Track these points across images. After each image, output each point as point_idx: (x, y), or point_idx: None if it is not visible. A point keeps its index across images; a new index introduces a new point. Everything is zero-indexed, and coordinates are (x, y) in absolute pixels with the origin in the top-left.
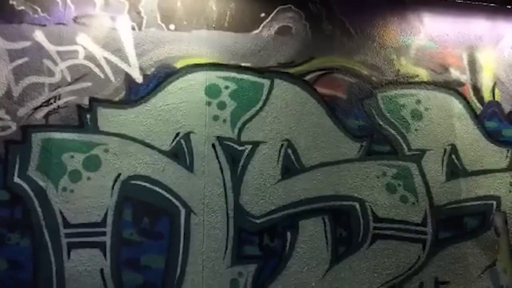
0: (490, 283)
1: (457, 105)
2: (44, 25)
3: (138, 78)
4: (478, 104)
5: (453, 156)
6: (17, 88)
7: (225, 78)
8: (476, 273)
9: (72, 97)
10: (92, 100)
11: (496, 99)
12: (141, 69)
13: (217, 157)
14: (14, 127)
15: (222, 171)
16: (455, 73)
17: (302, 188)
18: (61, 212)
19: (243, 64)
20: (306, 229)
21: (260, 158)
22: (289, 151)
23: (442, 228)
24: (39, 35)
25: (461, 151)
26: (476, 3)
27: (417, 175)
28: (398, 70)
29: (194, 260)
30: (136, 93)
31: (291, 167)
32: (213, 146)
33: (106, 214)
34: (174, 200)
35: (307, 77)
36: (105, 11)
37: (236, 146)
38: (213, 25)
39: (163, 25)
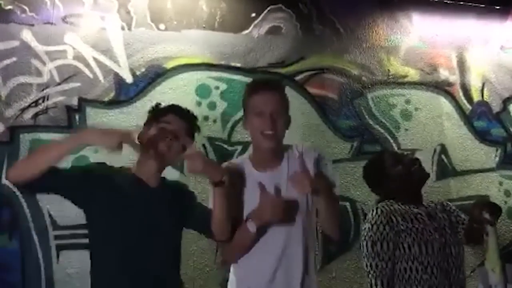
0: (479, 283)
1: (446, 105)
2: (32, 25)
3: (128, 78)
4: (467, 104)
5: (443, 156)
6: (4, 88)
7: (216, 78)
8: (467, 272)
9: (61, 98)
10: (81, 100)
11: (485, 99)
12: (130, 69)
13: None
14: (1, 128)
15: None
16: (444, 73)
17: None
18: (49, 214)
19: (233, 64)
20: None
21: None
22: None
23: None
24: (27, 35)
25: (451, 150)
26: (465, 3)
27: None
28: (388, 70)
29: (185, 261)
30: (126, 93)
31: None
32: (204, 146)
33: None
34: None
35: (298, 77)
36: (94, 10)
37: (226, 146)
38: (204, 25)
39: (153, 25)
